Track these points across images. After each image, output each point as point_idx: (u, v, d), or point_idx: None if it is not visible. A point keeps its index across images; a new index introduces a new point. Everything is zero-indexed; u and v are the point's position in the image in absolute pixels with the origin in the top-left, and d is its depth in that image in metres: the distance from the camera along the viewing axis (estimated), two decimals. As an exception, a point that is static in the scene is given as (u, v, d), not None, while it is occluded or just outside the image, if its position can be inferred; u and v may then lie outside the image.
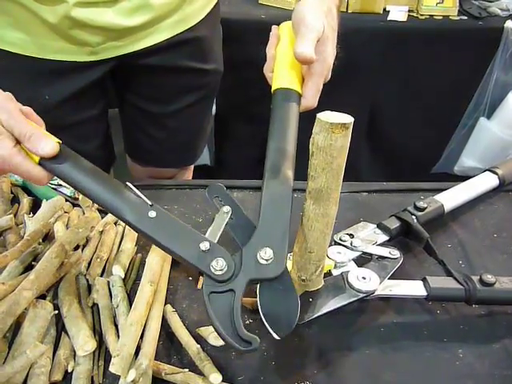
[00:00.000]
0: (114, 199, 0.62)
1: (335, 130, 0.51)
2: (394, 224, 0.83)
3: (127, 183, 0.64)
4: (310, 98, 0.75)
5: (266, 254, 0.58)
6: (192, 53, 1.11)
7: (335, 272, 0.73)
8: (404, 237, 0.84)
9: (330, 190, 0.57)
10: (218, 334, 0.55)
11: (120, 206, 0.61)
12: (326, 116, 0.52)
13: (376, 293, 0.71)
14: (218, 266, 0.57)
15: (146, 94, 1.17)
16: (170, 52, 1.08)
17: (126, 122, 1.29)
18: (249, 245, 0.60)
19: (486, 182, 0.97)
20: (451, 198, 0.91)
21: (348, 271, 0.72)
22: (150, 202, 0.62)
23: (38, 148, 0.61)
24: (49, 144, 0.61)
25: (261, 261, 0.58)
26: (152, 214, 0.61)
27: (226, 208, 0.66)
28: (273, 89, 0.75)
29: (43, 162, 0.61)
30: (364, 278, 0.71)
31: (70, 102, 1.04)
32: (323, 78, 0.76)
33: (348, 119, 0.52)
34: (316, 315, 0.68)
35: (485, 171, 0.99)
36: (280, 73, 0.76)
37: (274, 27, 0.86)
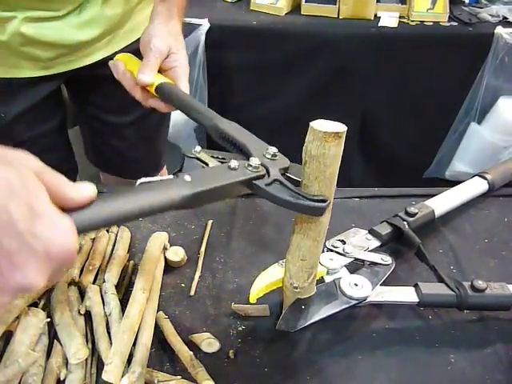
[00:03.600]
0: (149, 201, 0.56)
1: (328, 139, 0.52)
2: (385, 230, 0.83)
3: (139, 180, 0.58)
4: (186, 89, 0.86)
5: (273, 150, 0.62)
6: None
7: (327, 279, 0.73)
8: (395, 242, 0.85)
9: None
10: (291, 205, 0.57)
11: (160, 198, 0.57)
12: (319, 125, 0.52)
13: (368, 299, 0.71)
14: (254, 162, 0.59)
15: (103, 105, 1.18)
16: None
17: (87, 133, 1.29)
18: (253, 152, 0.63)
19: (475, 187, 0.98)
20: (441, 203, 0.92)
21: (340, 278, 0.72)
22: (171, 176, 0.59)
23: (76, 190, 0.46)
24: (84, 187, 0.47)
25: (272, 156, 0.62)
26: (187, 178, 0.58)
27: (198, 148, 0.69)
28: (155, 85, 0.85)
29: (79, 219, 0.45)
30: (356, 285, 0.71)
31: (25, 116, 1.03)
32: (187, 77, 0.89)
33: (341, 128, 0.52)
34: (308, 323, 0.68)
35: (474, 176, 1.00)
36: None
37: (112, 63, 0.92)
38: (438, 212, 0.90)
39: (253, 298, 0.70)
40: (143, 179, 0.58)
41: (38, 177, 0.41)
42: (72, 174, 1.27)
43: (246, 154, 0.65)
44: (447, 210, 0.92)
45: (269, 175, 0.60)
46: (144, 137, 1.27)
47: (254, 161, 0.60)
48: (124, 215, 0.52)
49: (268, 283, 0.70)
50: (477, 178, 1.00)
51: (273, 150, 0.63)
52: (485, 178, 0.98)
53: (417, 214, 0.86)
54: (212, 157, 0.66)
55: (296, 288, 0.66)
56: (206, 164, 0.67)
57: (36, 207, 0.39)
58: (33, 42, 0.92)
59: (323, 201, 0.57)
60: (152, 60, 0.85)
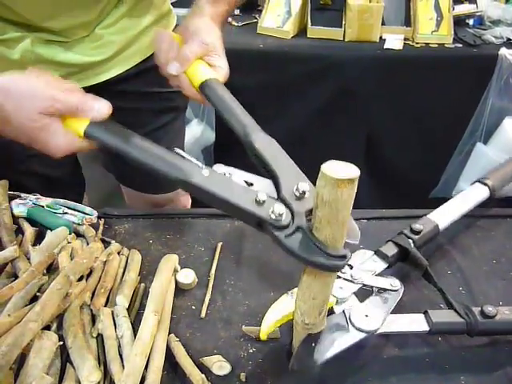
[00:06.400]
0: (165, 161, 0.63)
1: (341, 185, 0.49)
2: (391, 251, 0.82)
3: (175, 149, 0.65)
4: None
5: (303, 187, 0.59)
6: (155, 78, 1.13)
7: (337, 309, 0.72)
8: (402, 262, 0.84)
9: (335, 240, 0.54)
10: (308, 262, 0.54)
11: (173, 166, 0.62)
12: (331, 168, 0.49)
13: (379, 331, 0.70)
14: (277, 210, 0.56)
15: (116, 120, 1.19)
16: (133, 80, 1.11)
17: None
18: (283, 186, 0.61)
19: (476, 194, 0.98)
20: (445, 214, 0.92)
21: (350, 308, 0.72)
22: (200, 164, 0.62)
23: (92, 111, 0.67)
24: (102, 104, 0.68)
25: (300, 195, 0.59)
26: (205, 172, 0.61)
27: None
28: (200, 81, 0.82)
29: (90, 129, 0.67)
30: (366, 316, 0.70)
31: None
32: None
33: (354, 173, 0.49)
34: (320, 362, 0.67)
35: (475, 182, 1.00)
36: (199, 69, 0.84)
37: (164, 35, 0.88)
38: (442, 225, 0.90)
39: (264, 335, 0.69)
40: (179, 150, 0.65)
41: (53, 101, 0.66)
42: (79, 189, 1.29)
43: (275, 185, 0.62)
44: (451, 221, 0.92)
45: (293, 221, 0.57)
46: None
47: (278, 209, 0.56)
48: (123, 152, 0.69)
49: (279, 318, 0.69)
50: (477, 184, 0.99)
51: (304, 187, 0.59)
52: (485, 184, 0.98)
53: (422, 231, 0.86)
54: (245, 182, 0.65)
55: (307, 324, 0.64)
56: None
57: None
58: (44, 61, 0.95)
59: (344, 257, 0.53)
60: (196, 50, 0.82)
